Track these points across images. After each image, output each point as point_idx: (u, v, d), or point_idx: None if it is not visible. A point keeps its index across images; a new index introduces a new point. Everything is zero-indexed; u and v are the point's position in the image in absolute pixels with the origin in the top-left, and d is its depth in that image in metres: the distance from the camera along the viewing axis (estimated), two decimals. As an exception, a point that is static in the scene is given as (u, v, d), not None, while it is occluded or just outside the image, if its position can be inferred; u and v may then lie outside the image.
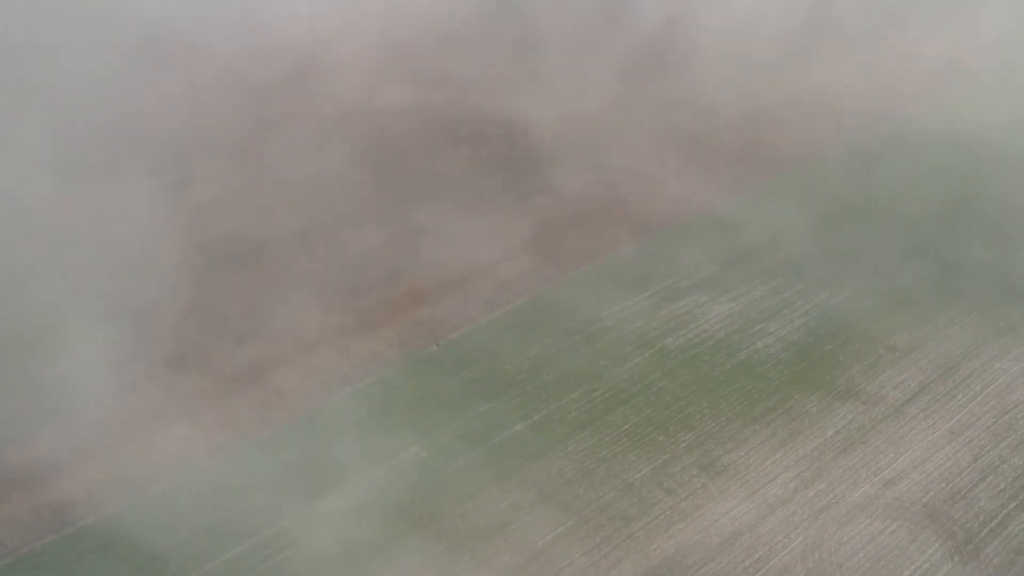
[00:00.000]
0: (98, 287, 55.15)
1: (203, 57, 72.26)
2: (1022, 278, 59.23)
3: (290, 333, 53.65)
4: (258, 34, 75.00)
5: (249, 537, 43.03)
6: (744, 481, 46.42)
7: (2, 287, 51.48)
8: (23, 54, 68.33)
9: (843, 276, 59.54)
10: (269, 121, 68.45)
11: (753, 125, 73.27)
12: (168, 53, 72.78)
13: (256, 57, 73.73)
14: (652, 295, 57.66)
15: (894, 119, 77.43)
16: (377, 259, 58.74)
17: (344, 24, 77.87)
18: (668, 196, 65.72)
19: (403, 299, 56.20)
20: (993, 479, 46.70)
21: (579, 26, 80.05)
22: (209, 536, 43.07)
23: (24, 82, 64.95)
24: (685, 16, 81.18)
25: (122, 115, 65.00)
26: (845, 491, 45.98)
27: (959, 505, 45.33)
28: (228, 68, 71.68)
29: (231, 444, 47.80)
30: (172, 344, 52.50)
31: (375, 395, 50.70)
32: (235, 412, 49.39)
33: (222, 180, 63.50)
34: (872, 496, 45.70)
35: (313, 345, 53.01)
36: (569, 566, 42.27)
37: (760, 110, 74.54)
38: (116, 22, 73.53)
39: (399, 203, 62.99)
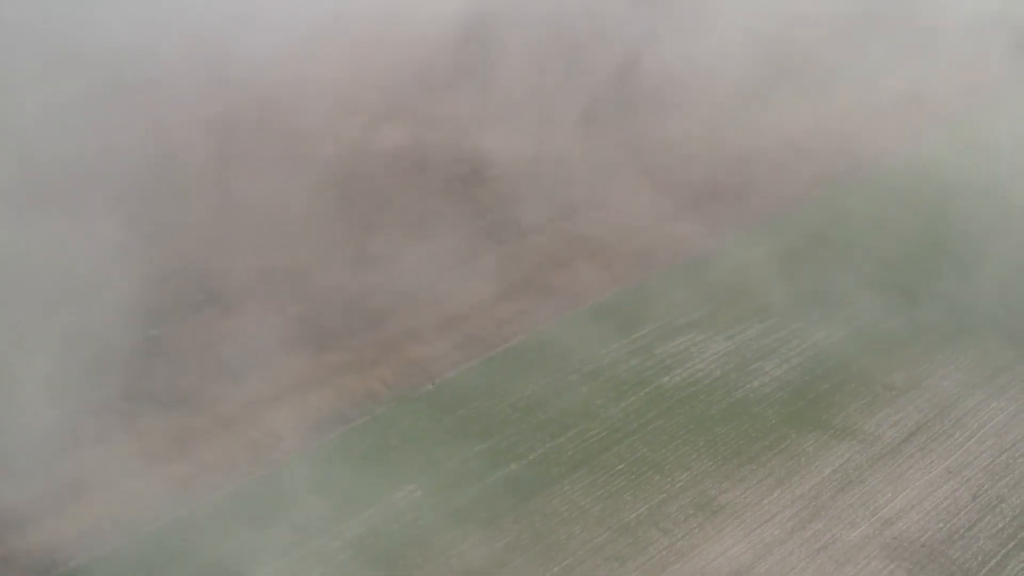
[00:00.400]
0: (89, 327, 55.45)
1: (165, 91, 72.86)
2: (1016, 317, 59.23)
3: (284, 372, 53.44)
4: (223, 68, 75.69)
5: (240, 579, 42.60)
6: (741, 521, 46.08)
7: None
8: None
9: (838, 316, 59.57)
10: (238, 156, 68.75)
11: (731, 166, 73.47)
12: (131, 87, 73.40)
13: (222, 91, 74.45)
14: (647, 334, 57.58)
15: (868, 156, 77.45)
16: (370, 298, 58.60)
17: (314, 57, 78.78)
18: (658, 237, 65.75)
19: (398, 338, 56.08)
20: (991, 518, 46.38)
21: (546, 67, 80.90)
22: (199, 577, 42.61)
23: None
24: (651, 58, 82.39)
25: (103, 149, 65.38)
26: (843, 531, 45.65)
27: (958, 545, 44.98)
28: (192, 103, 72.38)
29: (224, 484, 47.46)
30: (164, 383, 52.41)
31: (369, 434, 50.44)
32: (228, 451, 49.08)
33: (202, 218, 63.58)
34: (870, 536, 45.36)
35: (307, 384, 52.80)
36: (564, 607, 41.95)
37: (736, 151, 74.83)
38: (77, 55, 74.73)
39: (390, 242, 63.07)
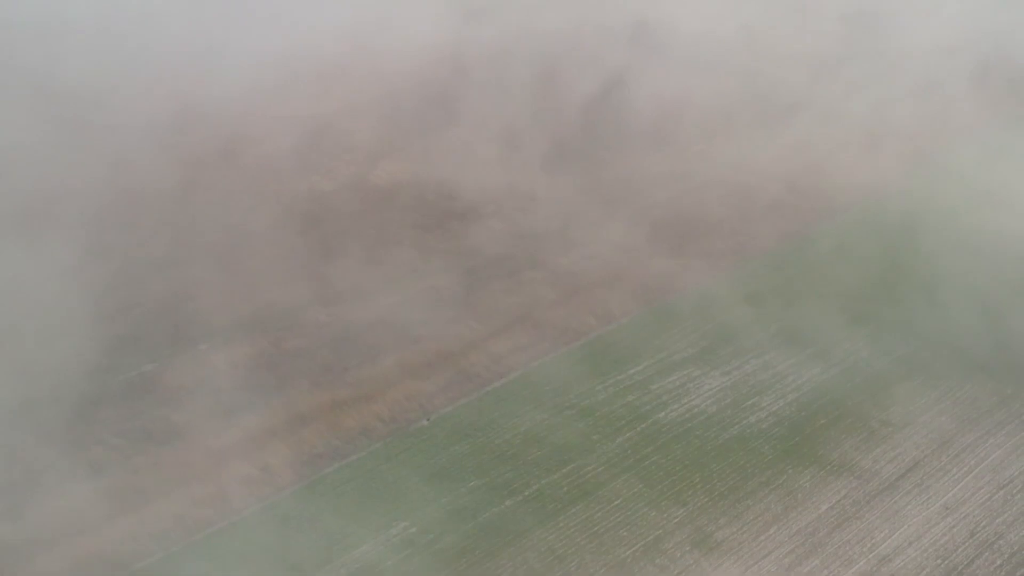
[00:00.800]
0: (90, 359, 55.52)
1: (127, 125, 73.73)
2: (1013, 353, 59.14)
3: (279, 407, 53.32)
4: (189, 101, 76.86)
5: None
6: (738, 557, 45.77)
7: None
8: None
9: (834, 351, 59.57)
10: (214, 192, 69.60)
11: (721, 200, 73.74)
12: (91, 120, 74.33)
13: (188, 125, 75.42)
14: (644, 369, 57.48)
15: (856, 191, 77.57)
16: (366, 334, 58.58)
17: (280, 93, 79.82)
18: (652, 273, 65.83)
19: (393, 374, 55.96)
20: (989, 555, 46.09)
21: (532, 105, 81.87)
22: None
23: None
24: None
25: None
26: (840, 568, 45.33)
27: (956, 582, 44.74)
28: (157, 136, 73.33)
29: (218, 519, 47.18)
30: (158, 419, 52.31)
31: (363, 470, 50.18)
32: (223, 487, 48.83)
33: (196, 254, 64.34)
34: (867, 573, 45.08)
35: (302, 419, 52.64)
36: (559, 645, 41.55)
37: (724, 186, 75.17)
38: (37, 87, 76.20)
39: (388, 279, 63.32)
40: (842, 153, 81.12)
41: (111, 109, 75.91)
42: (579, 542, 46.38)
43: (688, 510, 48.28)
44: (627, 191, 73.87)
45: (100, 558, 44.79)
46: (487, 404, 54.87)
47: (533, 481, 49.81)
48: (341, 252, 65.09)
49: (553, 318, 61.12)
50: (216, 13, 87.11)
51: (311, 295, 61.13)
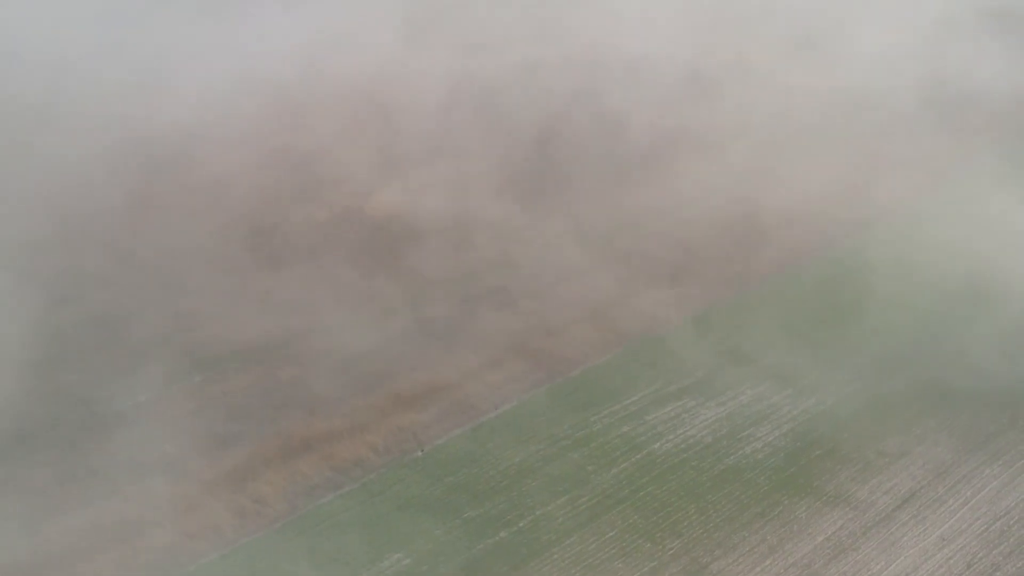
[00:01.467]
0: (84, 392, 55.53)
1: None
2: (1007, 383, 58.95)
3: (273, 438, 53.22)
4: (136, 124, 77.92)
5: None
6: (733, 589, 45.55)
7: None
8: None
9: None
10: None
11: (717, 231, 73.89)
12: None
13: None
14: (639, 400, 57.37)
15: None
16: (361, 364, 58.61)
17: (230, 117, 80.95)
18: (648, 302, 65.95)
19: (388, 404, 55.90)
20: (987, 587, 45.85)
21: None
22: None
23: None
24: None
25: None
26: (836, 600, 45.10)
27: (953, 614, 44.41)
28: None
29: (209, 551, 46.94)
30: (154, 450, 52.23)
31: (357, 501, 49.97)
32: (216, 518, 48.64)
33: (203, 286, 64.51)
34: (864, 605, 44.82)
35: (296, 450, 52.52)
36: None
37: (717, 216, 75.14)
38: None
39: (379, 309, 63.49)
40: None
41: (61, 136, 76.95)
42: (574, 574, 46.10)
43: (683, 541, 48.00)
44: (619, 222, 73.90)
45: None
46: (481, 435, 54.71)
47: (527, 512, 49.57)
48: (334, 282, 65.44)
49: (548, 348, 61.07)
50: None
51: (304, 325, 61.21)
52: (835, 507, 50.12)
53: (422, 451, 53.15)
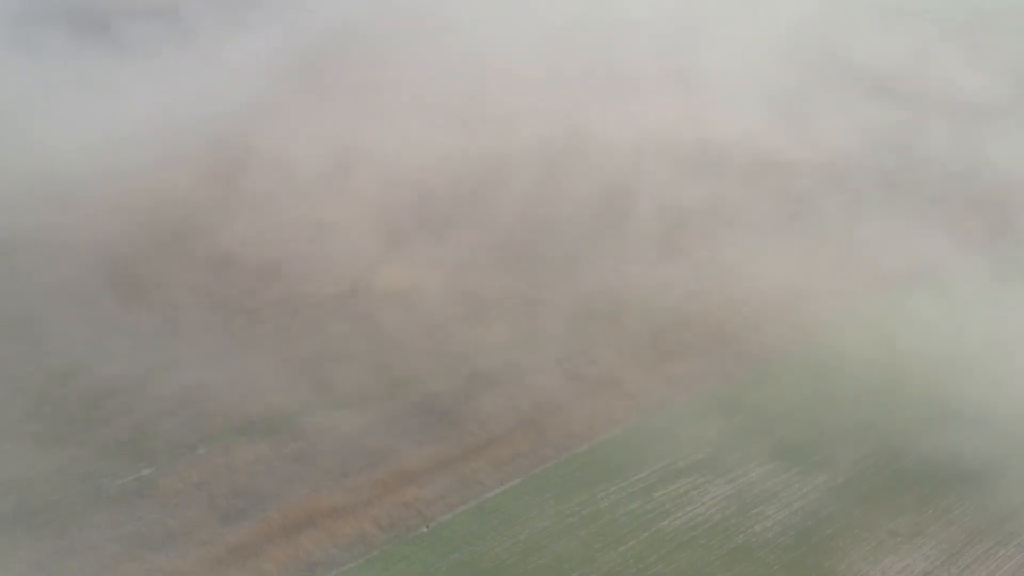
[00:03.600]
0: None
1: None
2: (1018, 460, 58.26)
3: (276, 513, 52.65)
4: None
5: None
6: (744, 672, 44.41)
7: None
8: None
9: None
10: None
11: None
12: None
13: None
14: (647, 476, 56.72)
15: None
16: (363, 438, 58.41)
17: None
18: (656, 378, 65.71)
19: (392, 479, 55.36)
20: (1003, 672, 44.66)
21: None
22: None
23: None
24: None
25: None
26: None
27: None
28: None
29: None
30: (155, 523, 51.78)
31: (361, 578, 49.30)
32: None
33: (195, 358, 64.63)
34: None
35: (299, 526, 51.89)
36: None
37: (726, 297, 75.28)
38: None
39: (380, 381, 63.54)
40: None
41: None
42: (580, 655, 45.21)
43: (692, 622, 47.08)
44: (628, 298, 74.00)
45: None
46: (487, 511, 54.00)
47: (534, 591, 48.80)
48: (341, 358, 65.56)
49: (555, 424, 60.64)
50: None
51: (310, 399, 61.02)
52: (847, 588, 49.20)
53: (427, 527, 52.46)
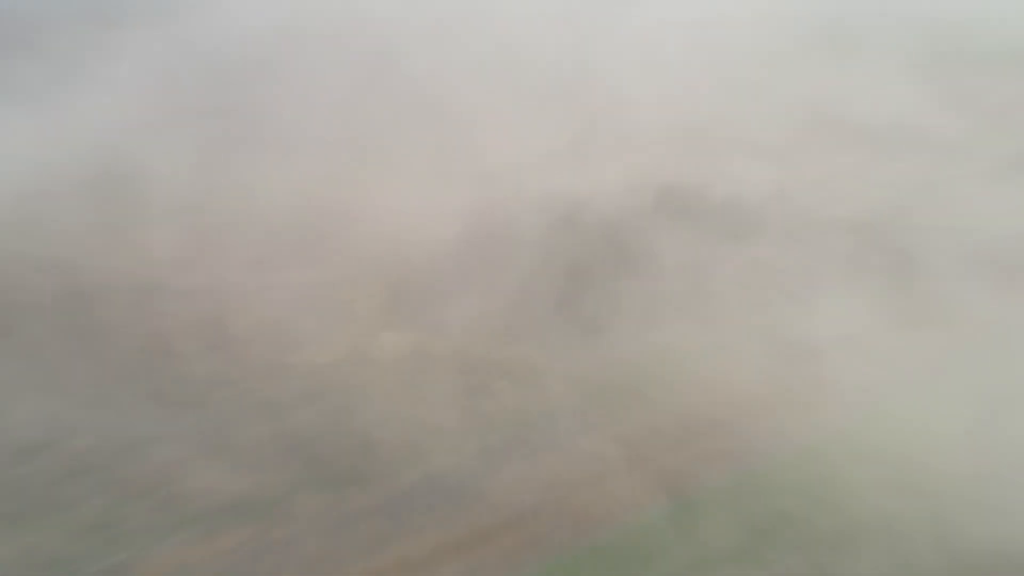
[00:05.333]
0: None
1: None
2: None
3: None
4: None
5: None
6: None
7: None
8: None
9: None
10: None
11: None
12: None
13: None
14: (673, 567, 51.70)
15: None
16: (361, 522, 54.22)
17: None
18: (681, 458, 61.05)
19: (390, 569, 51.05)
20: None
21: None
22: None
23: None
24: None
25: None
26: None
27: None
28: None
29: None
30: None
31: None
32: None
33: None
34: None
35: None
36: None
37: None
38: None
39: (381, 458, 59.59)
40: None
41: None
42: None
43: None
44: (650, 369, 69.64)
45: None
46: (496, 604, 49.37)
47: None
48: (339, 430, 61.90)
49: (573, 506, 55.99)
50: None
51: (302, 479, 57.23)
52: None
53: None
